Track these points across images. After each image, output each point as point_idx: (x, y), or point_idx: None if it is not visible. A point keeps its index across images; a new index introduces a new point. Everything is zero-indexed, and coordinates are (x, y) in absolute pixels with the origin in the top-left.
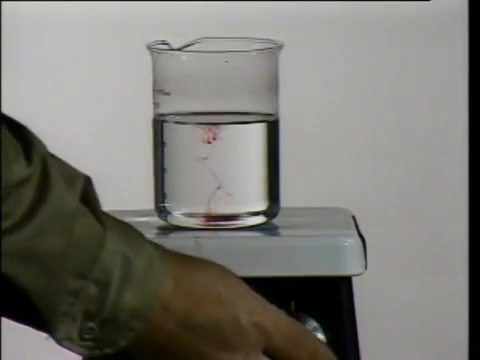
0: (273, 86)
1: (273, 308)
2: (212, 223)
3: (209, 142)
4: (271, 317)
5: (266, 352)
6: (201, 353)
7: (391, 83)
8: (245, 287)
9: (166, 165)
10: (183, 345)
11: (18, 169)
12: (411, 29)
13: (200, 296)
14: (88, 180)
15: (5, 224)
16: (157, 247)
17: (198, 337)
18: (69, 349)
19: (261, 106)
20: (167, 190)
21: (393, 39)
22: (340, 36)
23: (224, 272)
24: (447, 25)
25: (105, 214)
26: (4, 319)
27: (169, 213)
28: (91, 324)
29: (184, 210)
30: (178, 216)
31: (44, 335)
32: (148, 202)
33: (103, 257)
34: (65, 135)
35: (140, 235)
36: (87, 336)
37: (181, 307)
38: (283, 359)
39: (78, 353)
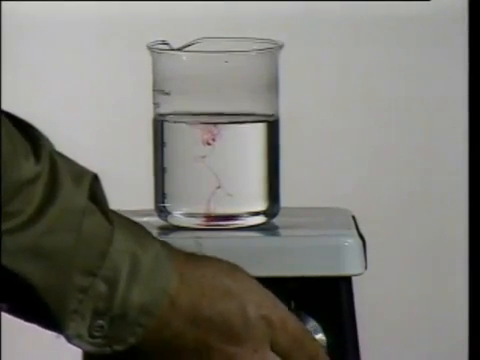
0: (273, 86)
1: (282, 306)
2: (212, 223)
3: (208, 143)
4: (279, 313)
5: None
6: (209, 347)
7: (391, 83)
8: (254, 282)
9: (166, 165)
10: (191, 340)
11: (27, 167)
12: (411, 29)
13: (207, 290)
14: (95, 178)
15: (15, 222)
16: (164, 244)
17: (206, 331)
18: (79, 346)
19: (261, 106)
20: (167, 190)
21: (393, 39)
22: (340, 36)
23: (232, 267)
24: (447, 25)
25: (113, 212)
26: (4, 319)
27: (169, 213)
28: (100, 321)
29: (184, 210)
30: (178, 216)
31: (53, 333)
32: (148, 202)
33: (111, 254)
34: (65, 135)
35: (147, 233)
36: (97, 333)
37: (188, 302)
38: (283, 358)
39: (88, 350)
